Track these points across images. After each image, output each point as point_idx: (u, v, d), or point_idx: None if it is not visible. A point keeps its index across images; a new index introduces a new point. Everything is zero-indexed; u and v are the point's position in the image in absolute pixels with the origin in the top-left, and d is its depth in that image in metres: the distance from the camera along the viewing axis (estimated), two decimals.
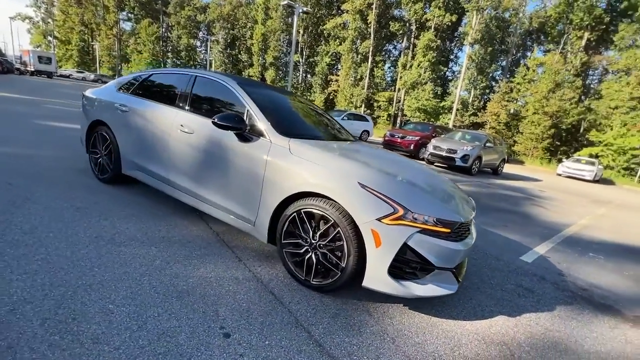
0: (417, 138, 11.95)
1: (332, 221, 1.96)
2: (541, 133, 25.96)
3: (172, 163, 2.81)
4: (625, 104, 24.31)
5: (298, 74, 43.14)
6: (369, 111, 33.53)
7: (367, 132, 16.75)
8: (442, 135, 12.03)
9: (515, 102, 28.42)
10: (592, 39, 28.14)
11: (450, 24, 29.89)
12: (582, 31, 27.93)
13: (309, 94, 39.99)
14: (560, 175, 17.56)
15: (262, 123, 2.39)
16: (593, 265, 3.66)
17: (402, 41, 35.31)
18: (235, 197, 2.43)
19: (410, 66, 31.42)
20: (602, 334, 2.25)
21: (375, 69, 34.73)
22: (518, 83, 28.07)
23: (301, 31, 38.51)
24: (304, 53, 40.22)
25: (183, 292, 1.88)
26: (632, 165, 23.03)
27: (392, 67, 38.88)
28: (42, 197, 2.86)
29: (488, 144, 10.75)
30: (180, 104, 2.88)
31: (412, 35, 32.86)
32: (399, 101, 33.89)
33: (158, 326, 1.57)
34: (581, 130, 28.54)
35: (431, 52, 29.08)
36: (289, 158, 2.19)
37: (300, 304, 1.96)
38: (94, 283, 1.81)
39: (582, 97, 28.13)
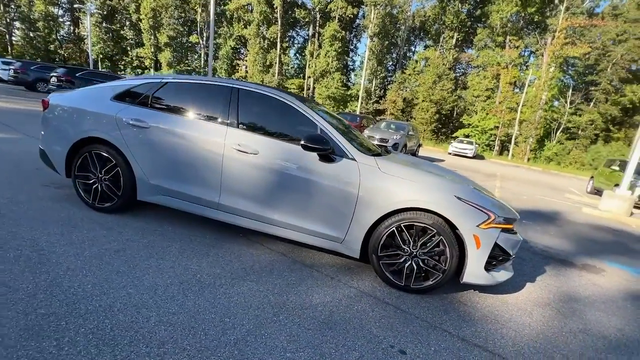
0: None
1: (435, 231, 2.25)
2: (429, 118, 30.70)
3: (227, 185, 2.57)
4: (483, 93, 30.74)
5: (196, 56, 39.51)
6: None
7: None
8: (371, 126, 13.20)
9: (407, 90, 32.64)
10: (459, 38, 34.17)
11: (352, 16, 31.86)
12: (453, 32, 33.57)
13: None
14: (450, 153, 21.37)
15: (342, 142, 2.44)
16: (531, 230, 4.90)
17: (308, 29, 35.94)
18: (319, 217, 2.45)
19: (318, 55, 32.45)
20: (580, 282, 3.21)
21: (283, 56, 34.59)
22: (409, 74, 32.26)
23: (199, 9, 35.06)
24: (204, 34, 36.89)
25: (325, 322, 1.90)
26: (491, 142, 29.66)
27: (298, 55, 39.38)
28: (58, 247, 2.24)
29: (410, 132, 12.38)
30: (228, 121, 2.61)
31: (317, 24, 33.78)
32: (309, 89, 34.81)
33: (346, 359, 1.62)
34: (454, 115, 34.90)
35: (337, 42, 30.61)
36: (380, 176, 2.34)
37: (416, 308, 2.21)
38: (249, 336, 1.67)
39: (455, 88, 34.15)
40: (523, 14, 28.20)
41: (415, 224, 2.27)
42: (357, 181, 2.34)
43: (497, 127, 28.52)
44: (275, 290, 2.13)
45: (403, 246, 2.34)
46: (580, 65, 26.14)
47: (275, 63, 33.18)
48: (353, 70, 38.67)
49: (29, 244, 2.21)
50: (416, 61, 32.32)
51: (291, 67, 36.88)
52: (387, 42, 32.55)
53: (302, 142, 2.33)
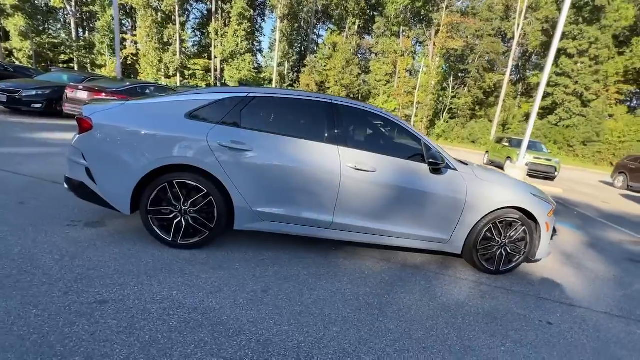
0: None
1: (520, 223, 2.83)
2: None
3: (342, 204, 2.59)
4: (384, 78, 34.15)
5: (59, 26, 31.65)
6: (186, 81, 30.11)
7: None
8: None
9: (319, 75, 33.63)
10: (360, 25, 36.59)
11: None
12: (355, 18, 35.67)
13: (92, 56, 30.60)
14: None
15: (442, 155, 2.74)
16: None
17: (208, 2, 32.69)
18: (430, 224, 2.74)
19: (225, 34, 30.14)
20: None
21: (182, 32, 30.85)
22: (320, 58, 33.18)
23: None
24: None
25: (486, 314, 2.27)
26: None
27: (197, 32, 35.65)
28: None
29: None
30: (337, 139, 2.58)
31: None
32: (216, 70, 32.28)
33: None
34: (360, 98, 37.86)
35: (246, 21, 28.95)
36: (479, 182, 2.77)
37: (517, 286, 2.79)
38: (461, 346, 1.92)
39: (359, 72, 36.83)
40: (411, 7, 31.99)
41: (507, 219, 2.80)
42: (465, 189, 2.71)
43: (397, 109, 32.36)
44: (426, 298, 2.38)
45: (497, 238, 2.85)
46: (456, 56, 31.56)
47: (175, 40, 29.38)
48: (260, 51, 37.42)
49: (191, 307, 1.85)
50: (325, 45, 33.31)
51: (192, 45, 33.24)
52: (296, 25, 32.45)
53: (430, 160, 2.55)
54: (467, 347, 1.89)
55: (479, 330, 2.07)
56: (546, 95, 30.99)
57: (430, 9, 31.83)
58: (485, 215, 2.77)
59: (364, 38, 38.53)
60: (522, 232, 2.86)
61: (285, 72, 33.62)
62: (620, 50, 29.75)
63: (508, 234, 2.85)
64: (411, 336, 1.90)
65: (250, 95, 2.58)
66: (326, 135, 2.60)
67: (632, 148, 26.48)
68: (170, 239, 2.49)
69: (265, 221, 2.57)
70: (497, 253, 2.88)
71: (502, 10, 32.03)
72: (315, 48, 35.01)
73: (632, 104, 31.73)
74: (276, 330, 1.78)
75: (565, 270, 3.32)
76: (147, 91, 8.48)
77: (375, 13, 36.29)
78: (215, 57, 31.33)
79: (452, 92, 30.98)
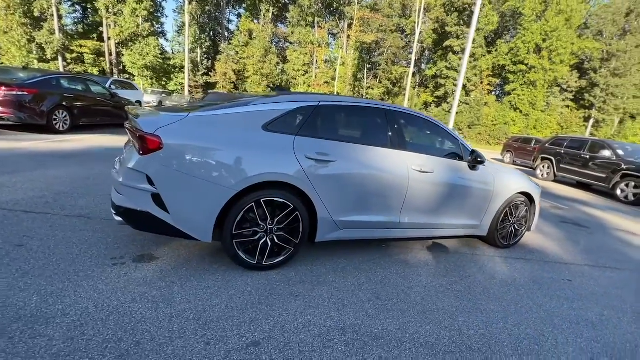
0: None
1: (525, 204, 3.50)
2: (262, 92, 31.75)
3: (408, 205, 2.79)
4: (302, 68, 34.56)
5: None
6: (71, 67, 24.92)
7: (140, 103, 13.75)
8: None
9: (237, 63, 31.98)
10: (275, 13, 35.88)
11: None
12: (269, 5, 34.77)
13: None
14: None
15: (477, 152, 3.17)
16: None
17: None
18: (468, 213, 3.17)
19: (119, 12, 25.82)
20: None
21: (59, 6, 25.21)
22: (236, 46, 31.46)
23: None
24: None
25: (537, 283, 2.83)
26: None
27: (78, 5, 29.55)
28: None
29: None
30: (398, 144, 2.74)
31: None
32: (111, 54, 27.58)
33: None
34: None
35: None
36: (500, 174, 3.31)
37: (531, 255, 3.46)
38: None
39: (278, 62, 36.35)
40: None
41: (516, 202, 3.44)
42: (493, 181, 3.22)
43: None
44: (487, 276, 2.81)
45: (510, 219, 3.47)
46: (368, 49, 33.97)
47: (52, 15, 23.86)
48: (163, 34, 33.33)
49: (338, 327, 1.79)
50: (240, 31, 31.69)
51: (74, 23, 27.50)
52: (207, 8, 29.89)
53: (475, 159, 2.94)
54: (539, 305, 2.37)
55: (539, 294, 2.58)
56: (440, 86, 36.25)
57: (342, 2, 33.25)
58: (505, 201, 3.34)
59: (279, 26, 38.02)
60: (525, 211, 3.54)
61: (199, 59, 30.85)
62: (489, 50, 36.61)
63: (516, 214, 3.50)
64: (506, 308, 2.27)
65: (322, 104, 2.52)
66: (391, 141, 2.73)
67: (502, 129, 33.22)
68: (255, 262, 2.31)
69: (342, 229, 2.59)
70: (509, 230, 3.52)
71: (400, 8, 35.62)
72: (228, 35, 32.92)
73: (498, 94, 39.39)
74: (423, 331, 1.92)
75: (539, 238, 4.23)
76: (64, 83, 6.89)
77: (288, 1, 36.03)
78: (109, 39, 26.67)
79: (367, 83, 33.40)
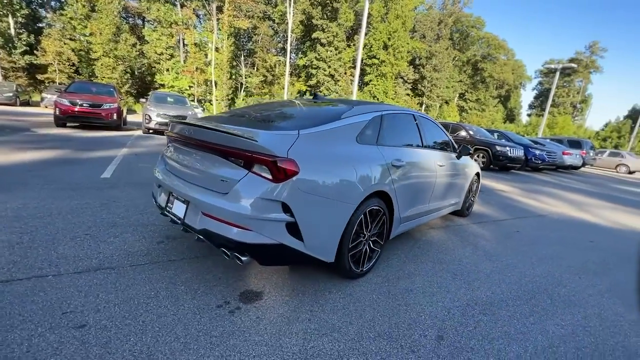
0: (114, 105, 9.79)
1: (476, 179, 4.65)
2: (119, 78, 26.47)
3: (435, 193, 3.38)
4: (166, 51, 30.46)
5: None
6: None
7: None
8: (147, 101, 10.77)
9: (76, 40, 25.29)
10: None
11: None
12: None
13: None
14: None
15: (459, 144, 4.01)
16: None
17: None
18: (457, 193, 4.03)
19: None
20: None
21: None
22: (71, 18, 24.73)
23: None
24: None
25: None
26: (191, 103, 31.15)
27: None
28: None
29: (191, 104, 11.69)
30: (425, 145, 3.25)
31: None
32: None
33: None
34: (141, 74, 32.06)
35: None
36: (468, 160, 4.29)
37: (486, 219, 4.65)
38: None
39: (136, 42, 30.66)
40: None
41: (473, 180, 4.53)
42: (467, 166, 4.16)
43: (192, 87, 30.26)
44: (472, 246, 3.72)
45: (472, 193, 4.54)
46: (244, 36, 32.68)
47: None
48: None
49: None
50: (76, 1, 24.98)
51: None
52: None
53: (462, 150, 3.74)
54: (517, 248, 3.41)
55: (506, 245, 3.65)
56: (312, 75, 38.78)
57: None
58: (470, 181, 4.37)
59: (128, 0, 31.88)
60: (475, 187, 4.71)
61: (13, 33, 22.73)
62: (348, 44, 41.33)
63: (473, 190, 4.62)
64: (517, 251, 3.19)
65: (384, 113, 2.73)
66: (422, 141, 3.21)
67: None
68: (359, 271, 2.41)
69: (402, 224, 2.95)
70: (470, 202, 4.62)
71: None
72: (56, 2, 25.43)
73: (358, 84, 45.13)
74: (497, 277, 2.55)
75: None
76: None
77: None
78: None
79: (246, 71, 32.33)
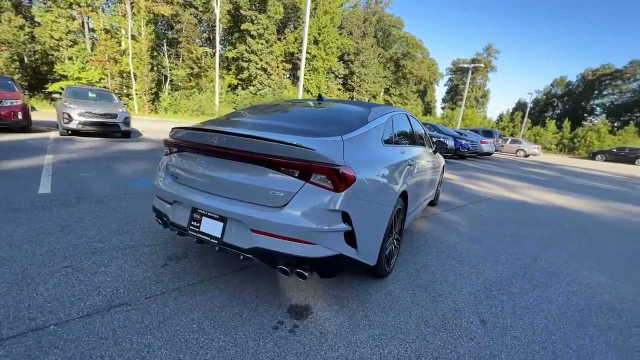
0: (17, 102, 8.01)
1: (442, 171, 5.12)
2: (5, 67, 21.77)
3: (425, 189, 3.63)
4: (66, 37, 26.00)
5: None
6: None
7: None
8: (62, 97, 8.98)
9: None
10: None
11: None
12: None
13: None
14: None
15: (436, 140, 4.35)
16: None
17: None
18: (433, 187, 4.36)
19: None
20: None
21: None
22: None
23: None
24: None
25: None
26: None
27: None
28: None
29: (119, 100, 10.21)
30: (417, 142, 3.46)
31: None
32: None
33: None
34: (30, 61, 26.76)
35: None
36: (438, 153, 4.67)
37: (452, 206, 5.13)
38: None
39: (26, 24, 25.35)
40: None
41: (441, 173, 4.98)
42: (439, 160, 4.53)
43: (103, 79, 26.43)
44: (451, 229, 4.13)
45: (439, 185, 4.98)
46: (166, 24, 29.51)
47: None
48: None
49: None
50: None
51: None
52: None
53: (438, 146, 4.05)
54: (485, 230, 3.91)
55: (480, 229, 4.14)
56: (243, 69, 37.28)
57: None
58: (441, 173, 4.78)
59: None
60: (441, 177, 5.18)
61: None
62: (279, 37, 40.74)
63: (440, 180, 5.07)
64: (485, 242, 3.64)
65: (393, 114, 2.81)
66: (416, 140, 3.41)
67: None
68: (389, 269, 2.48)
69: (407, 220, 3.10)
70: (438, 192, 5.06)
71: None
72: None
73: (292, 79, 44.90)
74: (493, 257, 2.89)
75: None
76: None
77: None
78: None
79: (170, 62, 29.33)
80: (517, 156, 23.54)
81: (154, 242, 2.74)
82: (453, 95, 63.95)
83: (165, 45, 28.31)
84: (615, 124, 44.88)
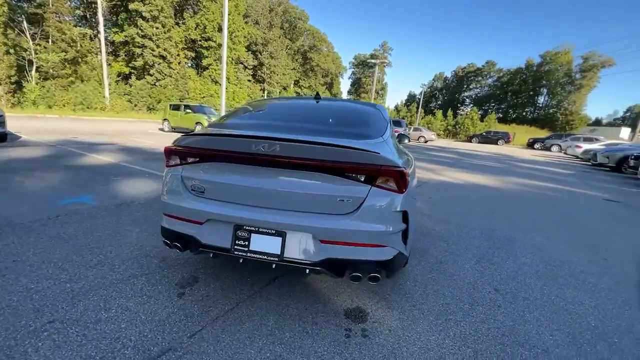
0: None
1: None
2: None
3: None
4: None
5: None
6: None
7: None
8: None
9: None
10: None
11: None
12: None
13: None
14: None
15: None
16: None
17: None
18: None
19: None
20: None
21: None
22: None
23: None
24: None
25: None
26: None
27: None
28: None
29: None
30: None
31: None
32: None
33: None
34: None
35: None
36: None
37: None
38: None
39: None
40: None
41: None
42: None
43: None
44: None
45: None
46: None
47: None
48: None
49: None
50: None
51: None
52: None
53: (401, 138, 4.41)
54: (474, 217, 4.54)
55: (462, 217, 4.74)
56: (138, 55, 32.48)
57: None
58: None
59: None
60: None
61: None
62: (177, 22, 36.75)
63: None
64: (472, 227, 4.21)
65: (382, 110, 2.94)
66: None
67: (210, 101, 36.00)
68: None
69: None
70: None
71: None
72: None
73: (196, 68, 41.24)
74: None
75: None
76: None
77: None
78: None
79: (35, 44, 23.22)
80: (419, 142, 27.00)
81: (147, 271, 2.29)
82: (357, 88, 68.77)
83: (25, 22, 22.38)
84: (480, 112, 55.68)
